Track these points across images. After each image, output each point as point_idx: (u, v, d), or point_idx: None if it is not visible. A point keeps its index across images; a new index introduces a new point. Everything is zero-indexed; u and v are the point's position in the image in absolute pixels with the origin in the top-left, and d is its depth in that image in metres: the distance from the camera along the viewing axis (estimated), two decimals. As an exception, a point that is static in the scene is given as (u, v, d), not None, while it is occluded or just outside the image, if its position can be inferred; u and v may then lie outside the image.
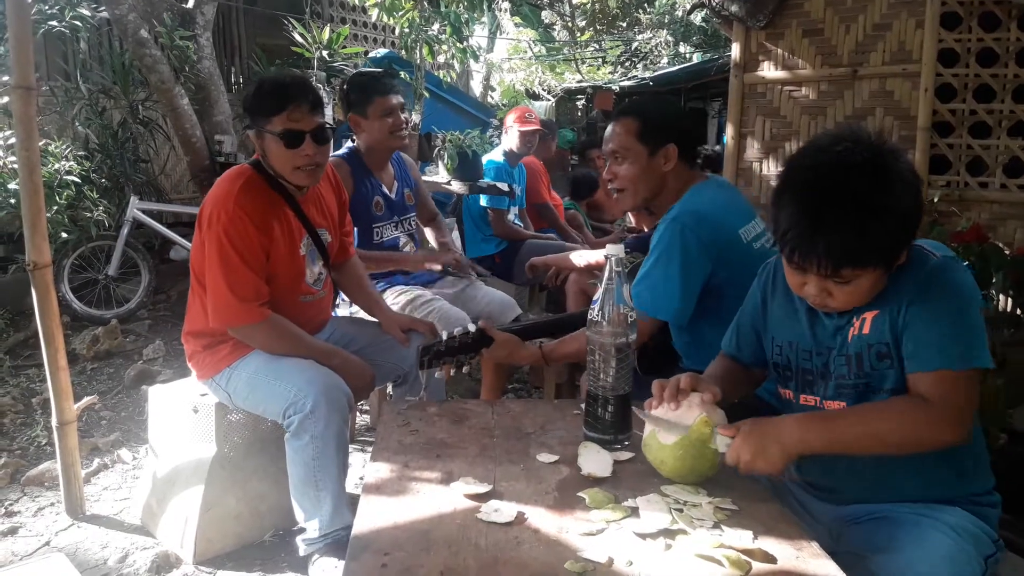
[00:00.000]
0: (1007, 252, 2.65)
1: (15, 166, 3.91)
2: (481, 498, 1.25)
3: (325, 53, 5.70)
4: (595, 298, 1.40)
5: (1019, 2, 3.40)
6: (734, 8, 4.12)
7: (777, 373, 1.49)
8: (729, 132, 4.51)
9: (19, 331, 4.38)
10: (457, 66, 7.61)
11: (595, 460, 1.36)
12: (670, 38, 12.63)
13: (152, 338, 4.41)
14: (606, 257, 1.39)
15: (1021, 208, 3.55)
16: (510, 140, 4.32)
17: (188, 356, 2.22)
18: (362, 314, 2.60)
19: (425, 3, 5.93)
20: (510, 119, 4.35)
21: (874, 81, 3.86)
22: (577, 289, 3.36)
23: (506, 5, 10.75)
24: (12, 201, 4.36)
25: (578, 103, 10.51)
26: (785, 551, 1.12)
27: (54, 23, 5.31)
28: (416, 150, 4.73)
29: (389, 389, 2.66)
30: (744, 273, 1.65)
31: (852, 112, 3.93)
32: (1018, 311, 2.58)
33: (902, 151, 1.26)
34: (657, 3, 12.90)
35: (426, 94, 6.15)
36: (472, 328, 1.89)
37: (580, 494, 1.26)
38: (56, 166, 4.69)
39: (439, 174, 4.87)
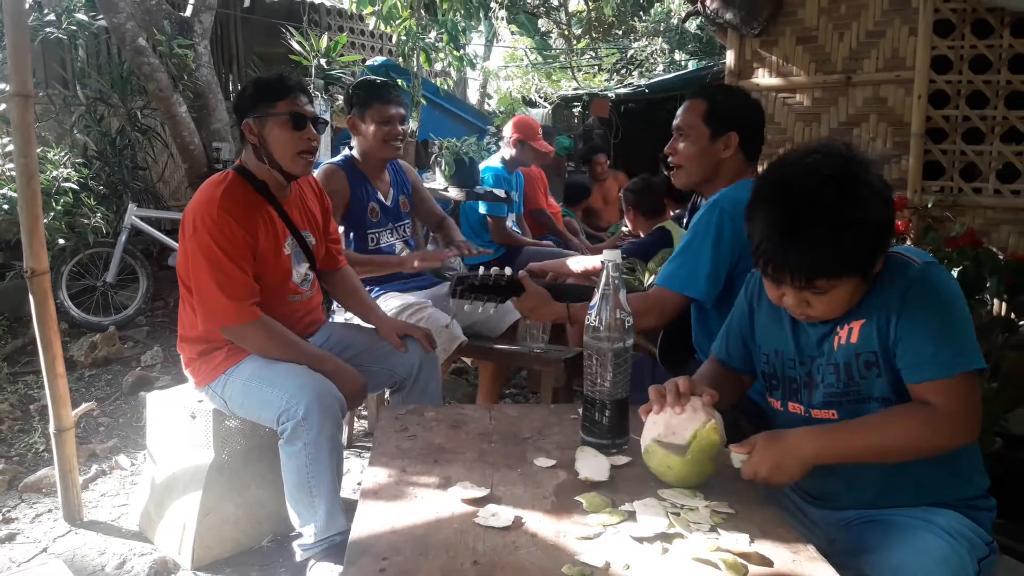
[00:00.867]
0: (1001, 257, 2.66)
1: (13, 173, 3.91)
2: (479, 502, 1.26)
3: (323, 61, 5.72)
4: (592, 304, 1.40)
5: (1012, 9, 3.43)
6: (729, 16, 4.14)
7: (765, 381, 1.51)
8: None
9: (17, 338, 4.38)
10: (454, 74, 7.65)
11: (592, 464, 1.36)
12: (665, 46, 12.67)
13: (150, 345, 4.41)
14: (603, 263, 1.40)
15: (1014, 213, 3.57)
16: (523, 154, 4.30)
17: (184, 363, 2.23)
18: (358, 320, 2.60)
19: (422, 11, 5.96)
20: (509, 129, 4.34)
21: (868, 88, 3.88)
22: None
23: (503, 13, 10.80)
24: (7, 208, 4.37)
25: (574, 110, 10.53)
26: (782, 554, 1.12)
27: (52, 30, 5.33)
28: (413, 157, 4.75)
29: (387, 395, 2.67)
30: None
31: (846, 119, 3.95)
32: (1012, 315, 2.60)
33: (872, 161, 1.27)
34: (653, 11, 12.95)
35: (423, 101, 6.16)
36: (508, 271, 1.89)
37: (577, 498, 1.27)
38: (54, 173, 4.70)
39: (436, 181, 4.88)
